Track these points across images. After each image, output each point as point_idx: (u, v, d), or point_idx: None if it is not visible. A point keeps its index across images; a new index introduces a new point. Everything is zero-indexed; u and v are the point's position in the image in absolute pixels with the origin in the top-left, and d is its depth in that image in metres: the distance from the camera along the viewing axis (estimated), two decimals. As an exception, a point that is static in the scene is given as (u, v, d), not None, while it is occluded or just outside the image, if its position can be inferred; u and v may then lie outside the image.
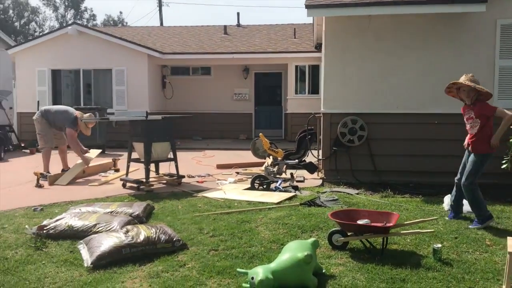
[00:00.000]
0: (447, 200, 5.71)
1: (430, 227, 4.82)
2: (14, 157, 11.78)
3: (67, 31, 14.89)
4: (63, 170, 8.36)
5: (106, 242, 4.00)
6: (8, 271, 3.76)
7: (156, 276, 3.62)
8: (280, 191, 6.80)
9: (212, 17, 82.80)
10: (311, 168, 7.79)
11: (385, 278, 3.51)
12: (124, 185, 7.28)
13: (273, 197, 6.30)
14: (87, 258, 3.90)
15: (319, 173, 8.12)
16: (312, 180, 7.81)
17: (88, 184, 7.66)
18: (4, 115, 13.65)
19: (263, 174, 7.45)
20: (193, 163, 10.09)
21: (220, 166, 9.55)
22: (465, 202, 5.24)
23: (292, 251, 3.44)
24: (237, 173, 8.72)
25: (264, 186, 7.07)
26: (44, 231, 4.54)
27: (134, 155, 7.50)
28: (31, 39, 17.37)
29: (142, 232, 4.15)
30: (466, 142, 5.23)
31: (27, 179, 7.95)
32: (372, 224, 4.10)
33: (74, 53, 14.91)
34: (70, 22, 45.96)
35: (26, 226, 4.73)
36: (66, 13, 52.57)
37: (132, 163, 7.53)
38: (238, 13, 21.28)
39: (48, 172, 8.16)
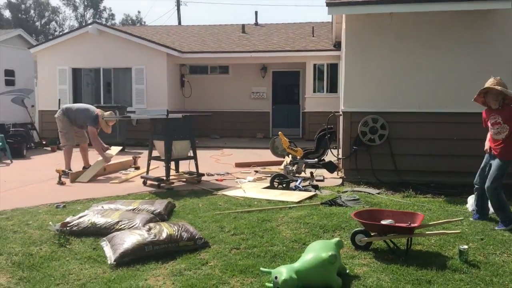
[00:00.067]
0: (471, 200, 5.61)
1: (454, 228, 4.73)
2: (36, 154, 11.96)
3: (87, 30, 15.05)
4: (84, 168, 8.46)
5: (129, 239, 4.02)
6: (33, 267, 3.81)
7: (179, 274, 3.62)
8: (300, 190, 6.76)
9: (229, 16, 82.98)
10: (331, 167, 7.74)
11: (410, 279, 3.46)
12: (144, 183, 7.33)
13: (293, 196, 6.27)
14: (110, 255, 3.93)
15: (339, 172, 8.05)
16: (331, 179, 7.75)
17: (109, 181, 7.73)
18: (26, 113, 13.91)
19: (282, 173, 7.42)
20: (211, 161, 10.11)
21: (238, 165, 9.55)
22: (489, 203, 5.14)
23: (316, 251, 3.41)
24: (256, 171, 8.70)
25: (284, 185, 7.03)
26: (68, 228, 4.59)
27: (154, 153, 7.54)
28: (52, 38, 17.61)
29: (165, 230, 4.16)
30: (487, 147, 5.12)
31: (49, 176, 8.06)
32: (397, 224, 4.04)
33: (94, 52, 15.07)
34: (89, 21, 46.54)
35: (50, 222, 4.78)
36: (86, 13, 53.31)
37: (151, 161, 7.57)
38: (256, 12, 21.28)
39: (70, 170, 8.26)
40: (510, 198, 5.85)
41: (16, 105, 13.61)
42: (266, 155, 10.43)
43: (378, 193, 6.70)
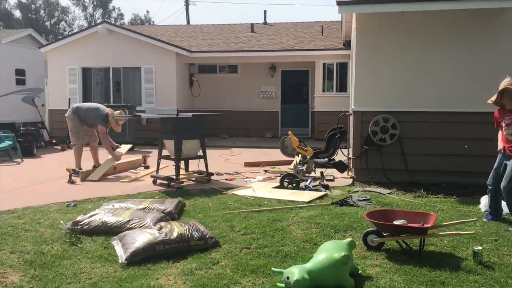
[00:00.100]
0: (484, 201, 5.54)
1: (468, 228, 4.67)
2: (46, 153, 12.03)
3: (97, 29, 15.11)
4: (94, 167, 8.48)
5: (140, 238, 4.02)
6: (45, 266, 3.81)
7: (190, 273, 3.61)
8: (310, 190, 6.73)
9: (238, 16, 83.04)
10: (341, 167, 7.70)
11: (423, 280, 3.42)
12: (154, 182, 7.34)
13: (304, 196, 6.24)
14: (121, 254, 3.93)
15: (349, 172, 8.01)
16: (342, 179, 7.70)
17: (119, 180, 7.75)
18: (37, 112, 13.99)
19: (292, 172, 7.39)
20: (220, 161, 10.10)
21: (247, 164, 9.53)
22: (503, 203, 5.07)
23: (328, 251, 3.38)
24: (265, 171, 8.67)
25: (294, 185, 7.00)
26: (79, 227, 4.60)
27: (164, 152, 7.54)
28: (61, 38, 17.72)
29: (176, 229, 4.15)
30: (501, 147, 5.05)
31: (59, 175, 8.10)
32: (409, 224, 4.00)
33: (104, 51, 15.13)
34: (98, 21, 46.76)
35: (61, 221, 4.79)
36: (95, 12, 53.62)
37: (161, 160, 7.57)
38: (265, 11, 21.36)
39: (80, 168, 8.29)
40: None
41: (27, 104, 13.70)
42: (275, 154, 10.40)
43: (389, 193, 6.65)
